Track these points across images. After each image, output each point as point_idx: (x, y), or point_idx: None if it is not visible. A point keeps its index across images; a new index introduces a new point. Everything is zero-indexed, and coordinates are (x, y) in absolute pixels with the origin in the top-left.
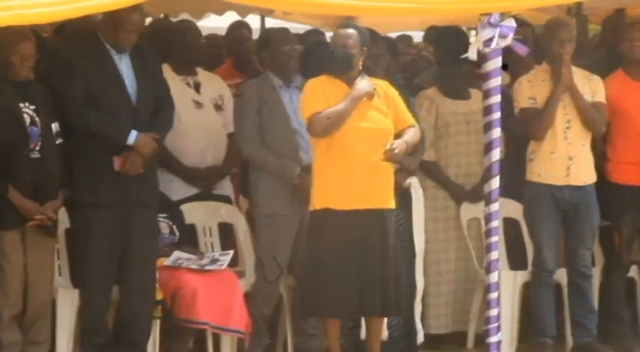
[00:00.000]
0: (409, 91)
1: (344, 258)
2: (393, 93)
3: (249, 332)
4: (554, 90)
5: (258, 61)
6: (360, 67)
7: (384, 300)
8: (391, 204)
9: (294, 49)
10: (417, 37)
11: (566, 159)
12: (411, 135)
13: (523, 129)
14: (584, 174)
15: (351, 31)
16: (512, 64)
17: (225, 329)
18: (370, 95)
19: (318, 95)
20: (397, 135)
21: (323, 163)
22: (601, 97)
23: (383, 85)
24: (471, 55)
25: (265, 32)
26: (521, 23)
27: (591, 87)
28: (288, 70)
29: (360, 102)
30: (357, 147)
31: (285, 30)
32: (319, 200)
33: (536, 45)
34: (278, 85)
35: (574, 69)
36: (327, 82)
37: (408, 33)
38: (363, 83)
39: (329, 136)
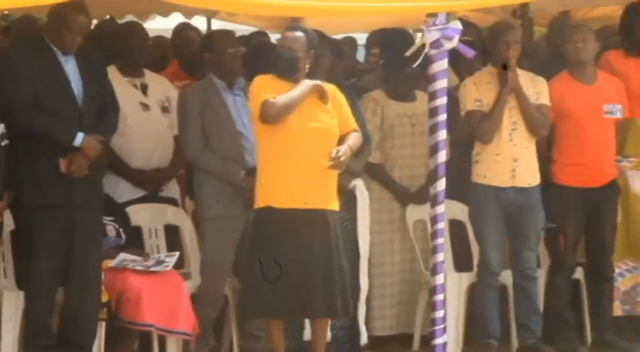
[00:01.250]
0: (355, 93)
1: (286, 257)
2: (340, 96)
3: (196, 334)
4: (501, 93)
5: (202, 64)
6: (307, 70)
7: (328, 301)
8: (334, 205)
9: (238, 51)
10: (362, 39)
11: (511, 161)
12: (354, 139)
13: (469, 132)
14: (529, 176)
15: (298, 34)
16: (461, 66)
17: (171, 331)
18: (322, 92)
19: (267, 87)
20: (340, 139)
21: (268, 161)
22: (545, 99)
23: (330, 88)
24: (409, 53)
25: (208, 34)
26: (467, 24)
27: (535, 88)
28: (231, 73)
29: (311, 91)
30: (303, 146)
31: (228, 32)
32: (263, 197)
33: (482, 47)
34: (221, 87)
35: (519, 71)
36: (274, 80)
37: (354, 35)
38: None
39: (276, 132)
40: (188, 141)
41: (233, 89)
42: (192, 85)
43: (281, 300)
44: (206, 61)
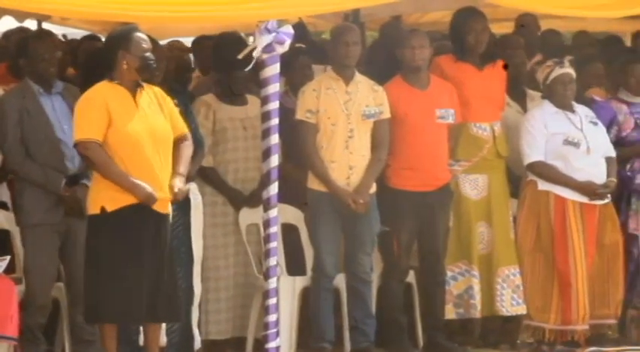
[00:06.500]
0: (188, 97)
1: (122, 262)
2: (168, 100)
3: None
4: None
5: (17, 68)
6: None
7: (163, 306)
8: (168, 209)
9: (54, 55)
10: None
11: (346, 169)
12: (186, 160)
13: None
14: None
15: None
16: (293, 71)
17: (1, 337)
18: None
19: (93, 112)
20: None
21: None
22: (386, 112)
23: (158, 92)
24: (240, 56)
25: (22, 39)
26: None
27: (376, 99)
28: (47, 77)
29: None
30: (139, 151)
31: (43, 36)
32: (96, 203)
33: (321, 50)
34: (39, 92)
35: (360, 77)
36: (108, 87)
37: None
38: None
39: (117, 138)
40: (7, 151)
41: (51, 93)
42: (8, 91)
43: (119, 305)
44: (21, 66)
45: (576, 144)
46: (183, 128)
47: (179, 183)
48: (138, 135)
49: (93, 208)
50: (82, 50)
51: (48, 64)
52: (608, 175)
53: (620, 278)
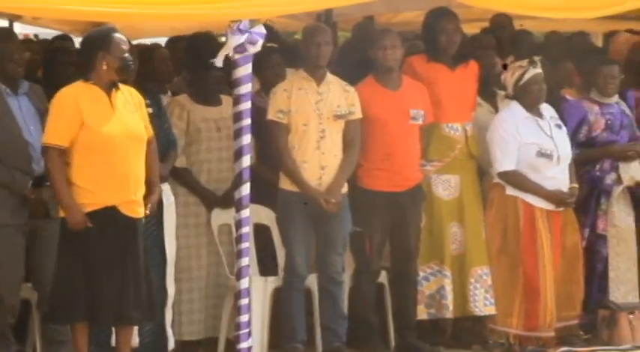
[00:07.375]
0: (162, 97)
1: (96, 264)
2: (143, 105)
3: None
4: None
5: None
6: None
7: (137, 308)
8: (140, 212)
9: (22, 56)
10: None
11: (318, 169)
12: (157, 167)
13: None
14: None
15: None
16: (265, 70)
17: None
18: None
19: (64, 113)
20: None
21: (83, 166)
22: (358, 112)
23: (134, 94)
24: (218, 61)
25: None
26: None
27: (348, 99)
28: (14, 77)
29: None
30: (115, 152)
31: (10, 36)
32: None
33: (293, 51)
34: (6, 93)
35: (331, 78)
36: (83, 87)
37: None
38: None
39: (85, 143)
40: None
41: (17, 94)
42: None
43: (89, 306)
44: None
45: (550, 156)
46: (149, 132)
47: (153, 201)
48: (114, 135)
49: (61, 212)
50: (53, 50)
51: (16, 65)
52: (570, 181)
53: (582, 278)
